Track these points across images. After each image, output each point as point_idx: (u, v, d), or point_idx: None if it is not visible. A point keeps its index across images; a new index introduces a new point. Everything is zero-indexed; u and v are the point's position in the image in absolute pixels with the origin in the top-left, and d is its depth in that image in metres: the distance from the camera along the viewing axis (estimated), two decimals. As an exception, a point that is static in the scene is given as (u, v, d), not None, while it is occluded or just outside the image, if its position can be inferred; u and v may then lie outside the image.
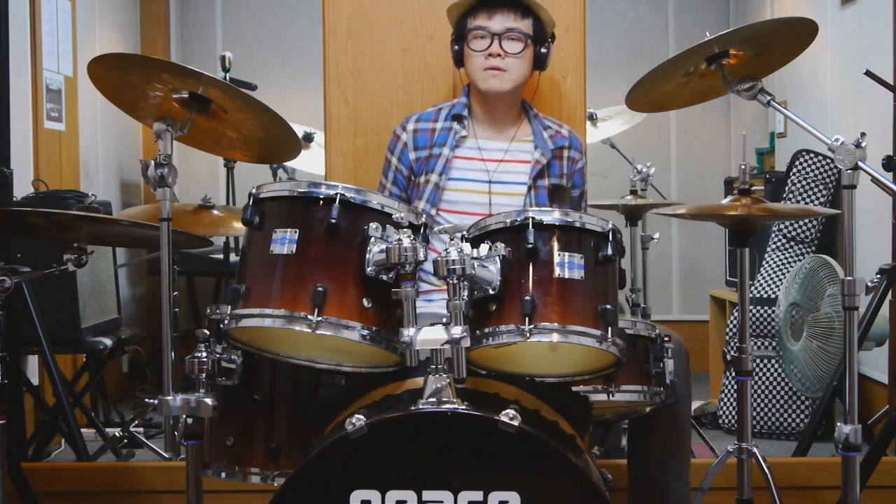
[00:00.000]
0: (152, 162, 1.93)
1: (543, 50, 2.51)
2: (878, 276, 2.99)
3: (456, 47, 2.54)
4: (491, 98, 2.53)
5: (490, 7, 2.47)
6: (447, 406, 1.76)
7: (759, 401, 4.27)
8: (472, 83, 2.54)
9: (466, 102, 2.57)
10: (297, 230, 1.89)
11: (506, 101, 2.54)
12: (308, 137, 4.24)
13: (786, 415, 4.27)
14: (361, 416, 1.73)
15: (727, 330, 4.55)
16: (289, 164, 4.49)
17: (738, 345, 2.55)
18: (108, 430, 3.92)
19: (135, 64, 2.06)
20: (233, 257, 4.49)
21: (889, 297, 3.35)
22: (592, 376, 2.02)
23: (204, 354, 1.98)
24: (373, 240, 1.85)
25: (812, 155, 4.43)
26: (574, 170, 2.57)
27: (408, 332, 1.79)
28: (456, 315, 1.79)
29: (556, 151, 2.54)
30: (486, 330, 1.85)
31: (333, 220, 1.86)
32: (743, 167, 2.45)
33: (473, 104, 2.57)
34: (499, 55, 2.46)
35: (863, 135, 1.95)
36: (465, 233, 1.94)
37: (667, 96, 2.32)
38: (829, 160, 4.35)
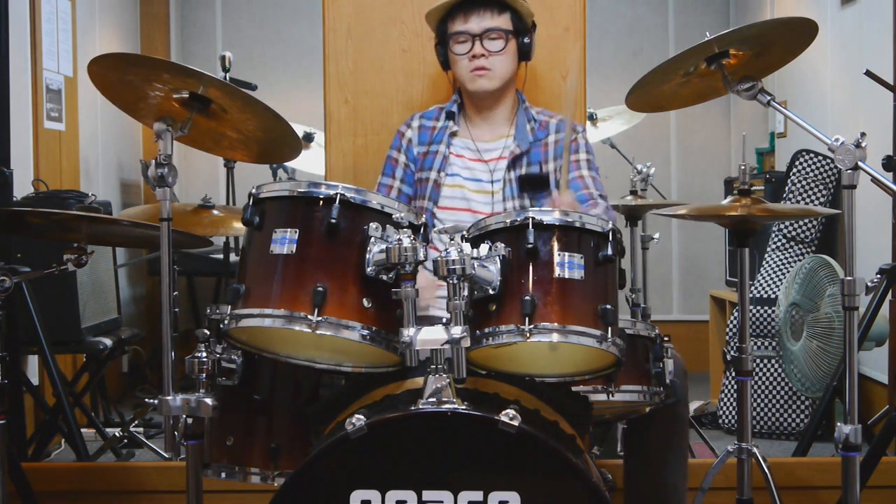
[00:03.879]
0: (152, 162, 1.93)
1: (526, 40, 2.52)
2: (878, 276, 2.99)
3: (440, 51, 2.57)
4: (480, 97, 2.55)
5: (465, 9, 2.49)
6: (447, 406, 1.76)
7: (759, 401, 4.27)
8: (461, 85, 2.57)
9: (458, 101, 2.61)
10: (297, 230, 1.89)
11: (496, 99, 2.56)
12: (308, 137, 4.24)
13: (786, 415, 4.27)
14: (361, 416, 1.73)
15: (727, 330, 4.55)
16: (289, 164, 4.49)
17: (738, 345, 2.55)
18: (108, 430, 3.92)
19: (135, 64, 2.06)
20: (233, 257, 4.49)
21: (889, 297, 3.35)
22: (592, 376, 2.02)
23: (204, 354, 1.98)
24: (373, 240, 1.85)
25: (812, 155, 4.43)
26: (564, 146, 2.48)
27: (408, 332, 1.79)
28: (456, 315, 1.79)
29: (536, 140, 2.54)
30: (486, 330, 1.85)
31: (333, 220, 1.86)
32: (743, 167, 2.45)
33: (466, 105, 2.60)
34: (482, 55, 2.48)
35: (863, 135, 1.95)
36: (464, 233, 1.95)
37: (667, 96, 2.32)
38: (829, 160, 4.35)
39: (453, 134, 2.57)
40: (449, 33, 2.51)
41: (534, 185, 2.49)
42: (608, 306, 1.87)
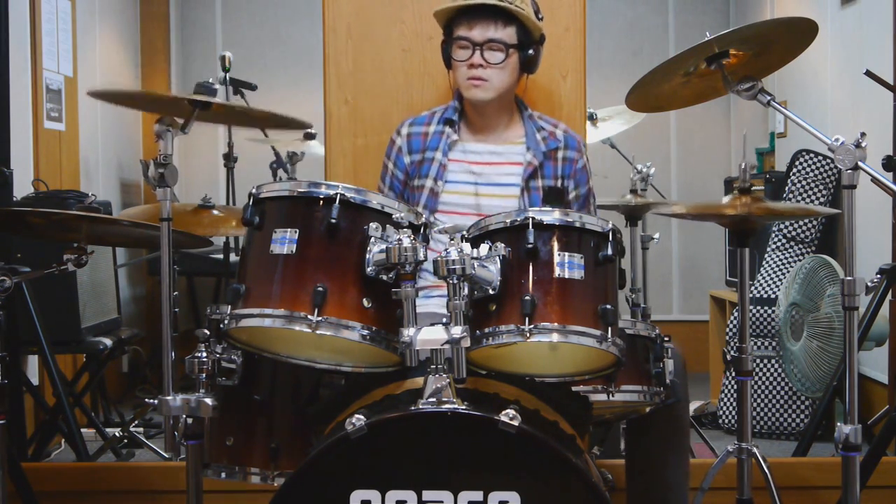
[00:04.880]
0: (152, 162, 1.93)
1: (531, 52, 2.49)
2: (878, 276, 2.99)
3: (445, 49, 2.54)
4: (477, 105, 2.53)
5: (470, 17, 2.46)
6: (447, 406, 1.76)
7: (759, 401, 4.27)
8: (459, 88, 2.55)
9: (457, 106, 2.58)
10: (297, 230, 1.89)
11: (493, 107, 2.54)
12: (309, 137, 4.24)
13: (786, 415, 4.27)
14: (361, 416, 1.73)
15: (727, 330, 4.55)
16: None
17: (738, 345, 2.55)
18: (108, 430, 3.92)
19: (132, 97, 2.04)
20: (233, 257, 4.49)
21: (889, 297, 3.35)
22: (592, 376, 2.02)
23: (204, 354, 1.98)
24: (373, 240, 1.85)
25: (812, 155, 4.43)
26: (574, 169, 2.56)
27: (408, 332, 1.79)
28: (456, 315, 1.79)
29: (548, 153, 2.54)
30: (486, 330, 1.85)
31: (333, 220, 1.86)
32: (743, 166, 2.45)
33: (466, 108, 2.58)
34: (480, 65, 2.45)
35: (863, 135, 1.95)
36: (465, 233, 1.94)
37: (667, 96, 2.32)
38: (829, 160, 4.35)
39: (454, 142, 2.54)
40: (453, 37, 2.50)
41: (556, 198, 2.50)
42: (608, 306, 1.87)
